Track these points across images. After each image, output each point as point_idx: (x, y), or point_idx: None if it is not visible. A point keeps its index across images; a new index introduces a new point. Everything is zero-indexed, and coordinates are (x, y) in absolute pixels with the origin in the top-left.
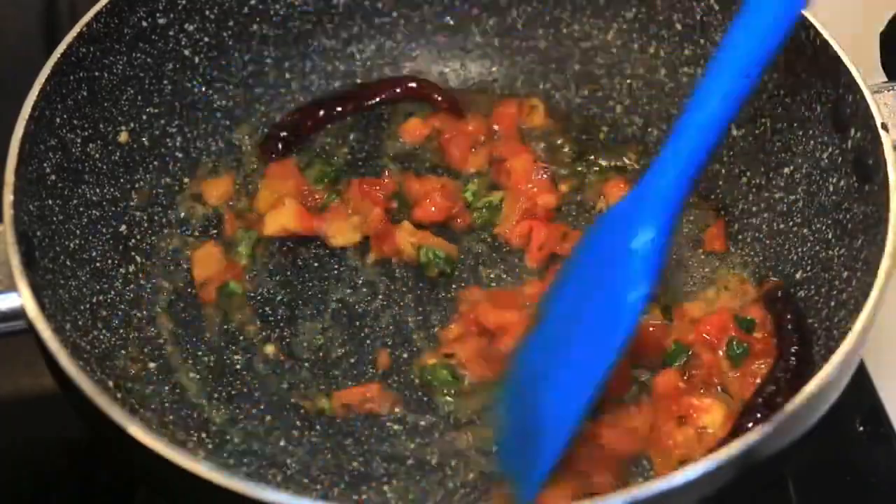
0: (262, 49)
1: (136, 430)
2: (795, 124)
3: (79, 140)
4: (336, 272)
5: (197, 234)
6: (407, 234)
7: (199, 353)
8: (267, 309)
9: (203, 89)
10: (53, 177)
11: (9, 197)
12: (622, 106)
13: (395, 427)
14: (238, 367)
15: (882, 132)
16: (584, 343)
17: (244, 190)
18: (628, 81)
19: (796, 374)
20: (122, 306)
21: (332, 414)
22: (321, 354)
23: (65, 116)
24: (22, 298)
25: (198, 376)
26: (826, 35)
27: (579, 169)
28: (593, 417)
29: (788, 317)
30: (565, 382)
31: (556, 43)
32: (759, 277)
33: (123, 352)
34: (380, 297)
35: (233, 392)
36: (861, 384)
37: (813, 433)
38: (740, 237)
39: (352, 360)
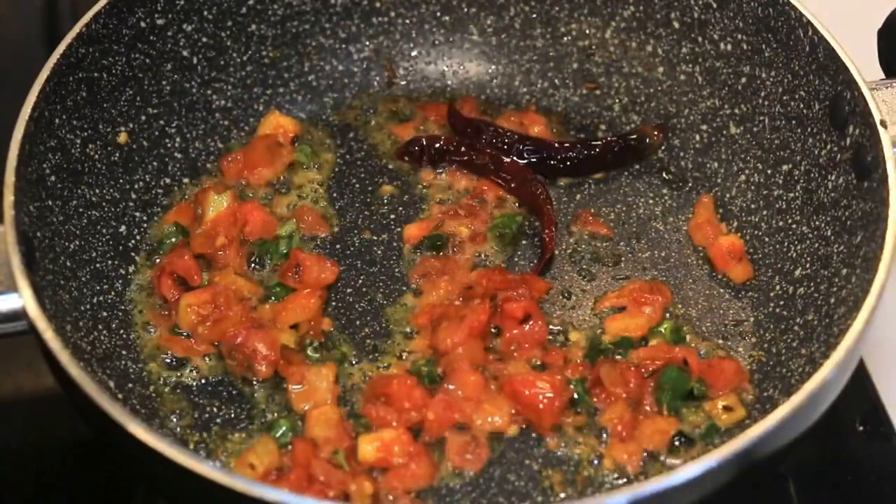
0: (261, 49)
1: (138, 430)
2: (794, 122)
3: (78, 141)
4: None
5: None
6: None
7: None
8: None
9: (202, 90)
10: (53, 177)
11: (9, 198)
12: (620, 104)
13: None
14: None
15: (881, 129)
16: None
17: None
18: (626, 80)
19: None
20: (123, 307)
21: None
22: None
23: (64, 117)
24: (23, 299)
25: (198, 376)
26: (824, 32)
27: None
28: None
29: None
30: None
31: (553, 42)
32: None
33: (124, 352)
34: None
35: (233, 392)
36: (861, 384)
37: (813, 432)
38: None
39: None
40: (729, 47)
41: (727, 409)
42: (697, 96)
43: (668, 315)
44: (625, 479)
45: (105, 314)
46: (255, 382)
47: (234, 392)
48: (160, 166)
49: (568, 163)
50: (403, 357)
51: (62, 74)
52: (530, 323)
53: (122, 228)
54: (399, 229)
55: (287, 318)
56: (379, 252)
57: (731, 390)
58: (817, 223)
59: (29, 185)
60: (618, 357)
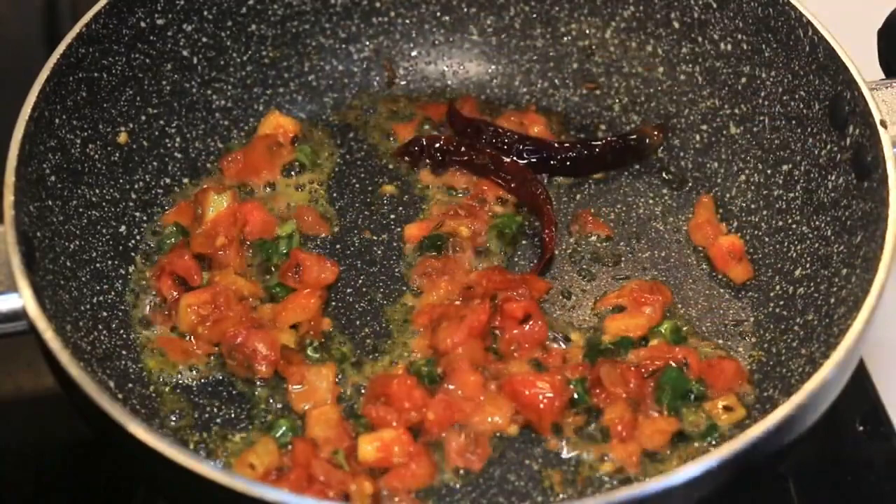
0: (261, 49)
1: (138, 430)
2: (794, 122)
3: (78, 141)
4: None
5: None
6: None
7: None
8: None
9: (202, 90)
10: (53, 178)
11: (9, 197)
12: (620, 104)
13: None
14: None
15: (881, 129)
16: None
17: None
18: (626, 80)
19: None
20: (122, 307)
21: None
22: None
23: (64, 117)
24: (23, 299)
25: (198, 376)
26: (824, 32)
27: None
28: None
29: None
30: None
31: (553, 42)
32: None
33: (124, 352)
34: None
35: (234, 392)
36: (861, 384)
37: (813, 432)
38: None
39: None
40: (729, 47)
41: (727, 409)
42: (697, 96)
43: (668, 315)
44: (625, 479)
45: (105, 314)
46: (255, 382)
47: (234, 392)
48: (160, 166)
49: (568, 163)
50: (403, 357)
51: (62, 74)
52: (530, 323)
53: (122, 228)
54: (399, 229)
55: (287, 318)
56: (379, 252)
57: (731, 390)
58: (817, 223)
59: (29, 185)
60: (618, 357)
